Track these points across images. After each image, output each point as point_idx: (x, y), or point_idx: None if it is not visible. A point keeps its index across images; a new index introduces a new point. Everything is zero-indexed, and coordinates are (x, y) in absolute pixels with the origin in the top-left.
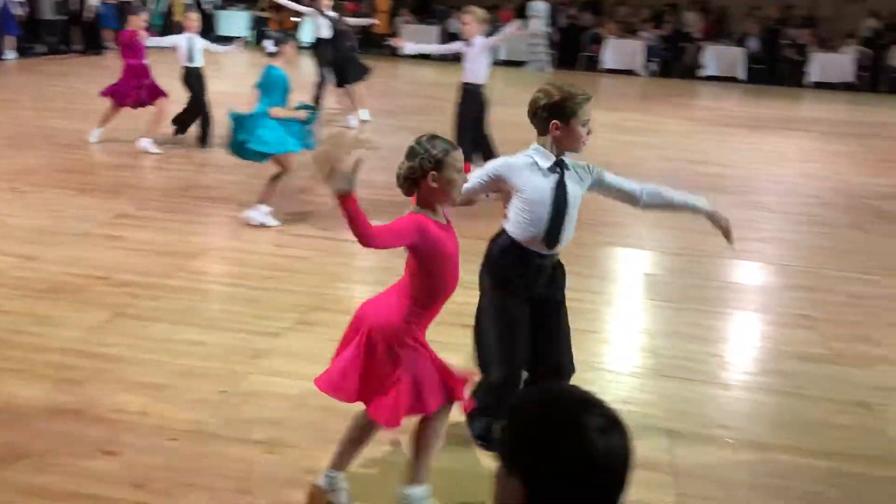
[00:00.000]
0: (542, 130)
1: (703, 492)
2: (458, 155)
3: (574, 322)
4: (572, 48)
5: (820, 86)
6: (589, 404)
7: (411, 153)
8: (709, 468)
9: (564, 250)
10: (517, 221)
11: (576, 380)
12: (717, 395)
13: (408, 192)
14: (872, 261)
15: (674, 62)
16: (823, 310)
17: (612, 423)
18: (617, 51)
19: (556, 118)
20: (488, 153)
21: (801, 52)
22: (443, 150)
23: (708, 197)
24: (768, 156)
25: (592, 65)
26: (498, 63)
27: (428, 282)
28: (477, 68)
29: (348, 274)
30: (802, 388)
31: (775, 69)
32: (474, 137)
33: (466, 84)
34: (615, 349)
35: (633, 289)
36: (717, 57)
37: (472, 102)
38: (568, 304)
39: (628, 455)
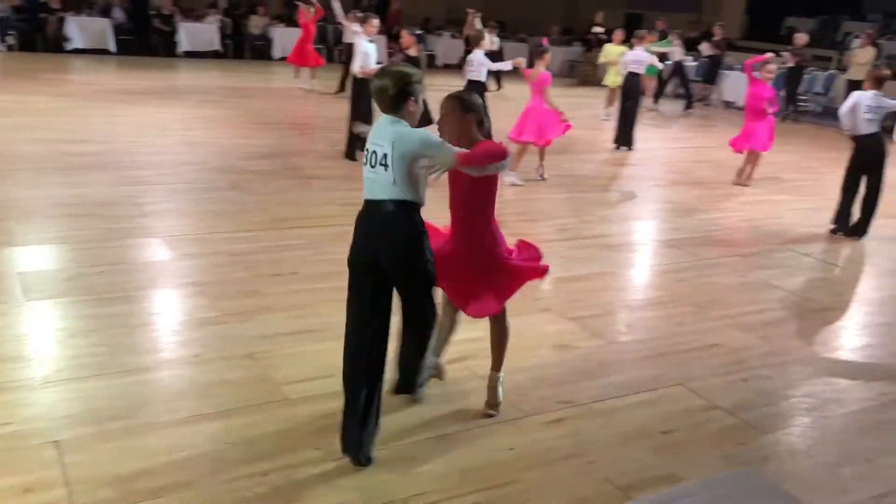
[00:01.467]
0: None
1: (102, 493)
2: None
3: None
4: None
5: (191, 55)
6: None
7: None
8: (105, 465)
9: None
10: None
11: None
12: (111, 386)
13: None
14: (250, 218)
15: (36, 35)
16: (212, 273)
17: None
18: None
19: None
20: None
21: (169, 23)
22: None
23: (88, 175)
24: (149, 128)
25: None
26: None
27: (492, 199)
28: None
29: None
30: (199, 354)
31: (147, 40)
32: None
33: None
34: None
35: (5, 292)
36: (81, 29)
37: None
38: None
39: None
